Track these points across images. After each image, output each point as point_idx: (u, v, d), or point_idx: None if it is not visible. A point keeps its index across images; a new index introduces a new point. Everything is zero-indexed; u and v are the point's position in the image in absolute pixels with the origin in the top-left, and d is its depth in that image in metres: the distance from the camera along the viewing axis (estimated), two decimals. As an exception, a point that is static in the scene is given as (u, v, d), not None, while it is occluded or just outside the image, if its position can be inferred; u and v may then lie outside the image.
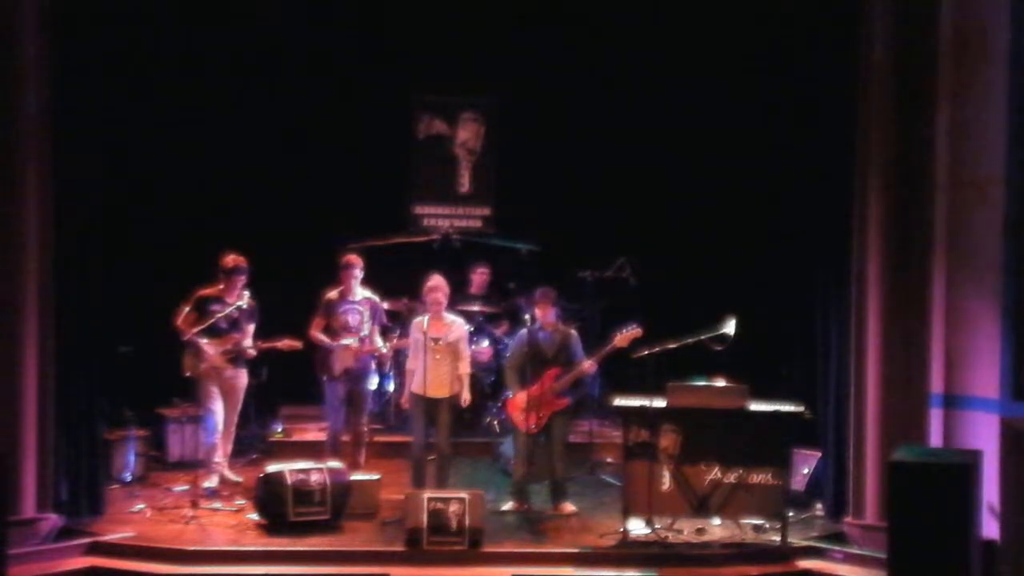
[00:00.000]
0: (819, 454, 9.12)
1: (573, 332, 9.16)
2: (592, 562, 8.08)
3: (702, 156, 11.19)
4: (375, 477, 9.09)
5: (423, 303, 9.21)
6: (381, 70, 11.60)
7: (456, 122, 12.36)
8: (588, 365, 8.89)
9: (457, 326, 9.11)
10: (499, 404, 10.39)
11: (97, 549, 8.22)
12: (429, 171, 12.36)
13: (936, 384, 8.17)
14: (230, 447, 9.66)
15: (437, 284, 9.03)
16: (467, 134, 12.37)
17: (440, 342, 8.91)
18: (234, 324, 9.36)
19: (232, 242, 9.63)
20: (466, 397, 9.06)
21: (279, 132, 11.45)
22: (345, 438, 9.57)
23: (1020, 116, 7.87)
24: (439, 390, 8.94)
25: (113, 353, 9.46)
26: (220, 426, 9.39)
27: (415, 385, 9.00)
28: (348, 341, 9.31)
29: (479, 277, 11.36)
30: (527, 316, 9.17)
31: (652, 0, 11.18)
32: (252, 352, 9.46)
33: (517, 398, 9.00)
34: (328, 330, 9.40)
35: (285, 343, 9.44)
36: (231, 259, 9.31)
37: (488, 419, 10.82)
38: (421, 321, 9.00)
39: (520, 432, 9.01)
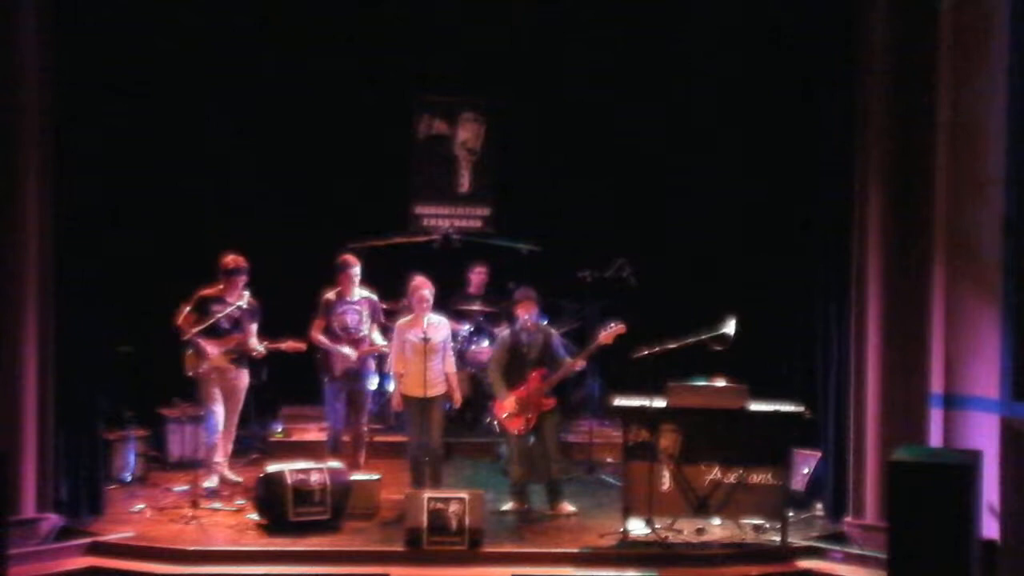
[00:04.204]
0: (819, 454, 9.12)
1: (554, 332, 9.21)
2: (592, 562, 8.08)
3: (702, 156, 11.19)
4: (375, 477, 9.10)
5: (408, 304, 9.22)
6: (381, 70, 11.60)
7: (456, 122, 12.35)
8: (576, 363, 8.90)
9: (443, 325, 9.17)
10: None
11: (97, 549, 8.23)
12: (429, 171, 12.35)
13: (936, 384, 8.17)
14: (230, 447, 9.66)
15: (425, 284, 9.06)
16: (467, 134, 12.37)
17: (430, 341, 8.92)
18: (236, 324, 9.36)
19: (232, 242, 9.65)
20: (457, 397, 9.12)
21: (280, 132, 11.44)
22: (345, 438, 9.58)
23: (1020, 116, 7.86)
24: (434, 388, 8.98)
25: (113, 353, 9.46)
26: (220, 426, 9.39)
27: (409, 386, 9.02)
28: (347, 351, 9.32)
29: (477, 277, 11.36)
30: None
31: (651, 1, 11.20)
32: (261, 351, 9.44)
33: (505, 402, 9.00)
34: (327, 331, 9.40)
35: (288, 344, 9.45)
36: (231, 259, 9.32)
37: (488, 419, 10.82)
38: (408, 322, 9.01)
39: (511, 435, 9.02)
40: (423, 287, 9.06)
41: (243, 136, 11.29)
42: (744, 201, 10.77)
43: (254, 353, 9.45)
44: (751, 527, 8.52)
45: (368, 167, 11.76)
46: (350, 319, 9.43)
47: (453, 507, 8.12)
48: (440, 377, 9.05)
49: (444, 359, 9.11)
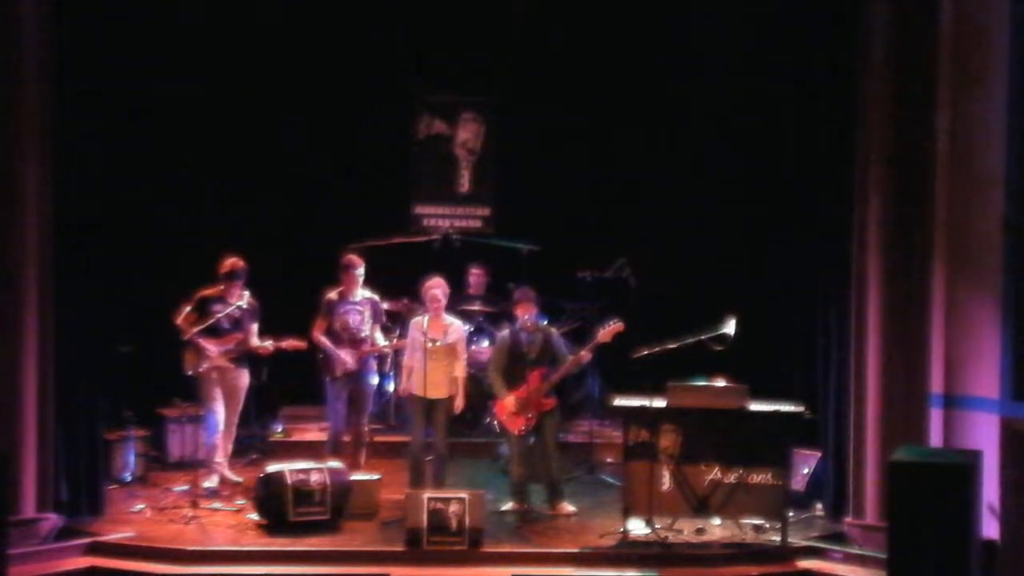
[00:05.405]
0: (819, 454, 9.12)
1: (554, 330, 9.21)
2: (592, 562, 8.08)
3: (702, 156, 11.19)
4: (375, 477, 9.10)
5: (423, 303, 9.24)
6: (381, 70, 11.61)
7: (456, 122, 12.35)
8: (582, 356, 8.90)
9: (455, 328, 9.14)
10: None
11: (97, 549, 8.22)
12: (429, 171, 12.35)
13: (936, 384, 8.17)
14: (230, 447, 9.66)
15: (436, 284, 9.06)
16: (467, 134, 12.37)
17: (438, 343, 8.92)
18: (236, 324, 9.37)
19: (232, 242, 9.65)
20: (459, 404, 9.10)
21: (280, 132, 11.45)
22: (345, 438, 9.58)
23: (1020, 116, 7.86)
24: (437, 391, 8.97)
25: (113, 353, 9.47)
26: (221, 426, 9.40)
27: (413, 386, 9.02)
28: (346, 356, 9.32)
29: (475, 277, 11.34)
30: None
31: (652, 0, 11.21)
32: (268, 347, 9.44)
33: (505, 401, 9.00)
34: (329, 331, 9.41)
35: (289, 343, 9.45)
36: (229, 263, 9.33)
37: (488, 419, 10.81)
38: (420, 321, 9.02)
39: (512, 435, 9.02)
40: (435, 287, 9.05)
41: (244, 135, 11.28)
42: (744, 200, 10.75)
43: (260, 350, 9.46)
44: (751, 527, 8.52)
45: (368, 167, 11.76)
46: (352, 319, 9.43)
47: (453, 507, 8.12)
48: (445, 379, 9.02)
49: (453, 362, 9.07)
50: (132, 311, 9.94)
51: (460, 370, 9.11)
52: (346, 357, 9.34)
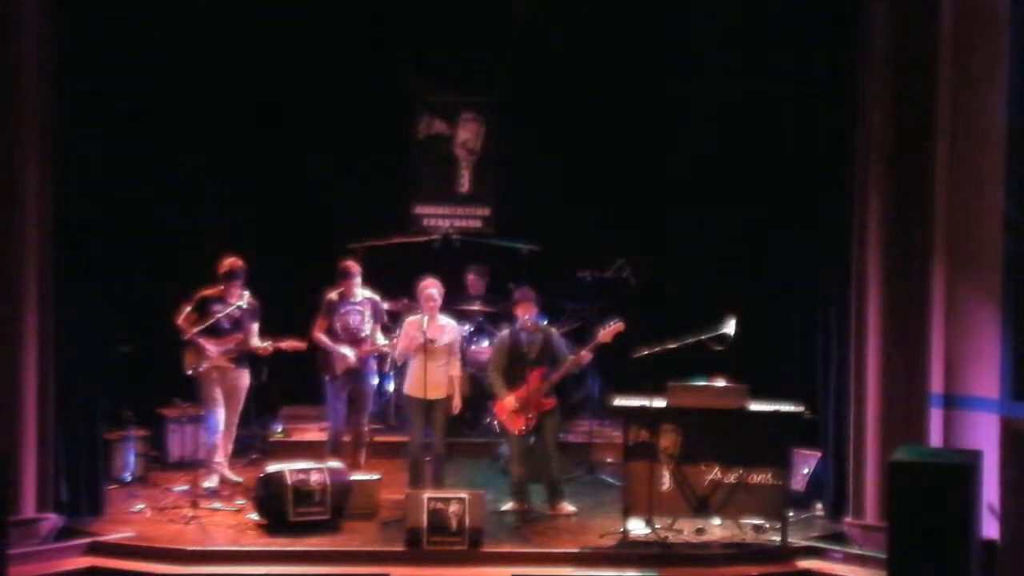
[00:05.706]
0: (819, 454, 9.12)
1: (554, 330, 9.21)
2: (592, 562, 8.08)
3: (702, 156, 11.19)
4: (375, 477, 9.10)
5: (418, 304, 9.23)
6: (381, 70, 11.61)
7: (456, 122, 12.35)
8: (582, 357, 8.89)
9: (451, 328, 9.16)
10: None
11: (97, 549, 8.23)
12: (429, 171, 12.35)
13: (936, 384, 8.18)
14: (230, 447, 9.67)
15: (431, 284, 9.06)
16: (467, 134, 12.37)
17: (436, 343, 8.92)
18: (236, 324, 9.38)
19: (232, 242, 9.65)
20: (457, 403, 9.11)
21: (280, 132, 11.45)
22: (345, 438, 9.58)
23: (1020, 116, 7.87)
24: (436, 391, 8.98)
25: (113, 353, 9.47)
26: (221, 426, 9.40)
27: (412, 387, 9.02)
28: (347, 351, 9.32)
29: (470, 281, 11.31)
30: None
31: (652, 0, 11.21)
32: (267, 348, 9.45)
33: (505, 401, 9.00)
34: (330, 331, 9.41)
35: (289, 343, 9.46)
36: (227, 263, 9.34)
37: (488, 419, 10.81)
38: (419, 320, 9.01)
39: (512, 435, 9.02)
40: (430, 287, 9.05)
41: (244, 135, 11.27)
42: (744, 200, 10.74)
43: (259, 350, 9.46)
44: (751, 527, 8.52)
45: (368, 167, 11.76)
46: (352, 319, 9.43)
47: (453, 507, 8.12)
48: (443, 380, 9.04)
49: (450, 362, 9.09)
50: (132, 311, 9.93)
51: (456, 370, 9.12)
52: (346, 351, 9.34)
